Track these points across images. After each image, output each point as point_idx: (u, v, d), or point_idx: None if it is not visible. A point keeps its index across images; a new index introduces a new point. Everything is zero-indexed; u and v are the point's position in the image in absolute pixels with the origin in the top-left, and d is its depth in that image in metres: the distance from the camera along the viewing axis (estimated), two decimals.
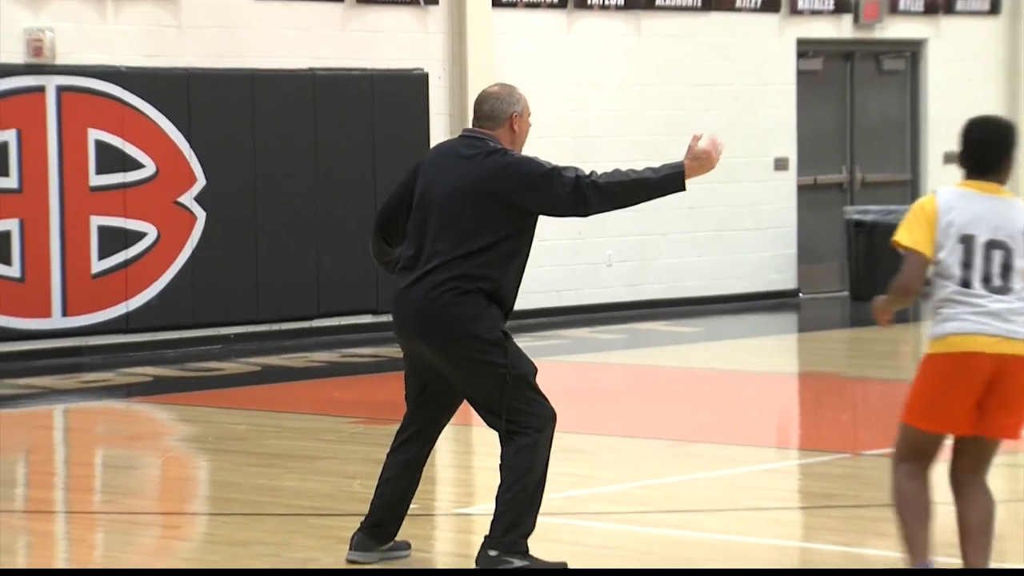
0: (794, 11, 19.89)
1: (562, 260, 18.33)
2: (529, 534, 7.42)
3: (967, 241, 6.88)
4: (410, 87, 17.42)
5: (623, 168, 7.61)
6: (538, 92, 18.24)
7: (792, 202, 19.93)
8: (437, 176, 7.52)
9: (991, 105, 21.48)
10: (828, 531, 8.61)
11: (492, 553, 7.37)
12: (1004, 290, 6.80)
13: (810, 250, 19.98)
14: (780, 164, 19.88)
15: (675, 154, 17.33)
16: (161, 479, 10.91)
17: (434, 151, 7.90)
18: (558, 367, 15.33)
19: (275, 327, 16.65)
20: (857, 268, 19.76)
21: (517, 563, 7.33)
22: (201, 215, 16.26)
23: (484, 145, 7.45)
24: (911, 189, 20.95)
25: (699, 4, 19.19)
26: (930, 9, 20.94)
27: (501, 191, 7.35)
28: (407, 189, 7.64)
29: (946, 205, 6.90)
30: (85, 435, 12.63)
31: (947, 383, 6.81)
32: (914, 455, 6.87)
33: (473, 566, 7.56)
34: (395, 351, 15.90)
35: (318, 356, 15.74)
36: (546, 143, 18.38)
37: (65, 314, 15.68)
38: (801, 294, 19.86)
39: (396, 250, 7.68)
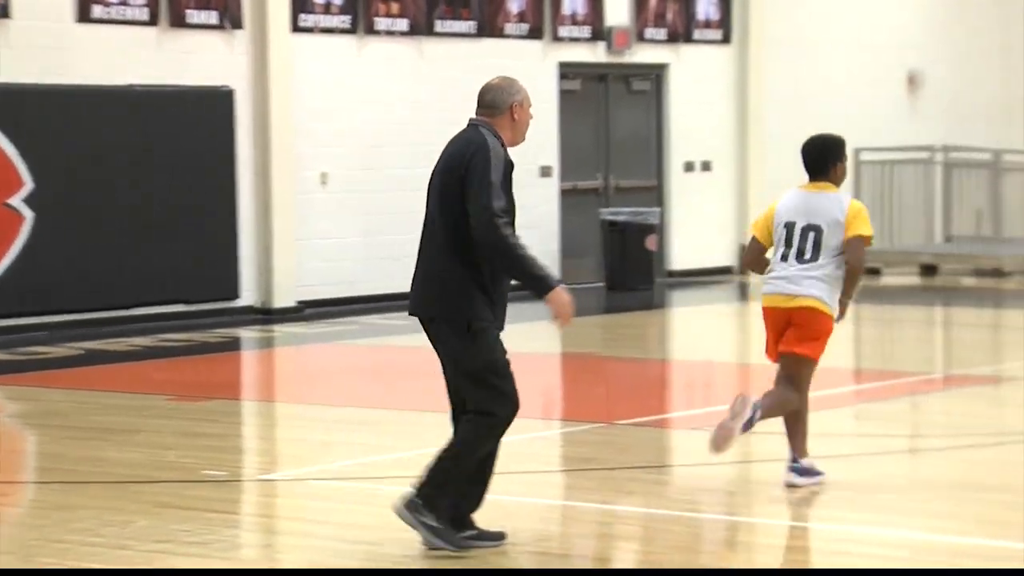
0: (556, 38, 20.04)
1: (354, 255, 18.28)
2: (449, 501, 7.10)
3: (789, 227, 8.50)
4: (217, 102, 17.27)
5: (522, 245, 7.11)
6: (332, 107, 18.22)
7: (555, 204, 20.07)
8: (440, 163, 7.33)
9: (724, 121, 21.85)
10: (586, 491, 8.69)
11: (416, 500, 7.07)
12: (813, 260, 8.41)
13: (571, 246, 20.14)
14: (545, 171, 20.00)
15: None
16: None
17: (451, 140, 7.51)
18: (351, 350, 15.31)
19: (97, 315, 16.41)
20: (611, 262, 19.98)
21: (432, 522, 7.07)
22: (29, 215, 15.97)
23: (479, 133, 7.20)
24: (657, 194, 21.20)
25: (474, 31, 19.24)
26: (672, 38, 21.23)
27: (460, 168, 7.12)
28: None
29: (781, 204, 8.60)
30: None
31: (765, 327, 8.68)
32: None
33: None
34: (206, 335, 15.83)
35: (136, 341, 15.53)
36: (339, 152, 18.33)
37: None
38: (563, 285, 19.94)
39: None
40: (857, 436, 10.16)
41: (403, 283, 19.68)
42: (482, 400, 7.08)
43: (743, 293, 20.54)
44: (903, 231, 22.18)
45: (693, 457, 9.83)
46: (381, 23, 18.50)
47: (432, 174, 7.33)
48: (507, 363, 7.14)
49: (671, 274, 21.28)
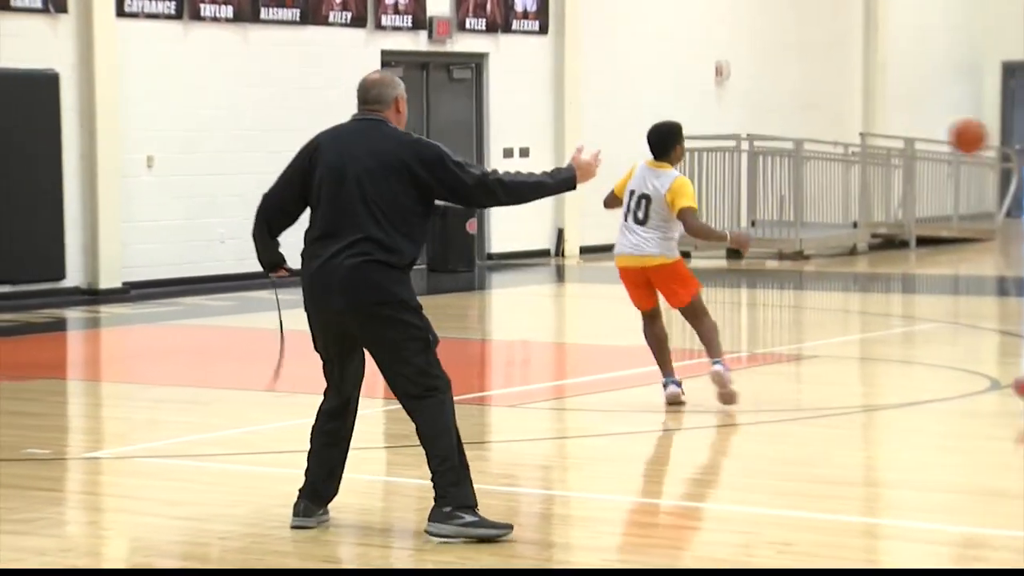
0: (378, 26, 19.99)
1: (179, 237, 18.09)
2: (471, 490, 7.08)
3: (631, 194, 10.19)
4: (43, 86, 16.96)
5: (519, 172, 7.36)
6: (157, 92, 17.98)
7: None
8: (346, 155, 7.05)
9: (541, 108, 21.98)
10: (406, 466, 8.71)
11: (446, 509, 6.96)
12: (644, 224, 10.07)
13: None
14: None
15: (273, 146, 17.32)
16: None
17: (331, 135, 7.28)
18: (176, 330, 15.15)
19: None
20: (433, 245, 19.99)
21: (468, 517, 6.95)
22: None
23: (386, 125, 7.13)
24: None
25: (298, 19, 19.11)
26: (491, 28, 21.30)
27: (411, 168, 6.98)
28: (300, 174, 7.18)
29: (635, 171, 10.27)
30: None
31: (623, 282, 10.40)
32: (646, 319, 10.38)
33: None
34: (31, 316, 15.55)
35: None
36: (164, 136, 18.11)
37: None
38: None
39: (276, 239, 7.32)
40: (663, 413, 10.30)
41: (227, 265, 19.52)
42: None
43: (560, 275, 20.71)
44: (711, 216, 22.49)
45: (511, 434, 9.91)
46: (207, 9, 18.30)
47: (334, 172, 7.06)
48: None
49: (491, 256, 21.38)
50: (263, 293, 17.69)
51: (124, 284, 17.49)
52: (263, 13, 18.77)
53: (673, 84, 23.43)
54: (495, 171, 7.18)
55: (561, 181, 7.28)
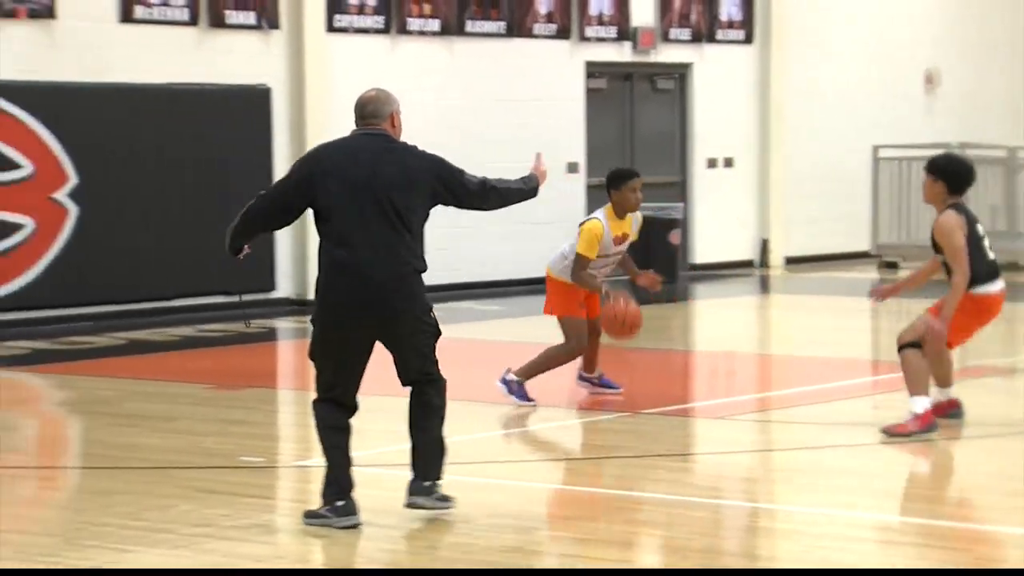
0: (583, 38, 20.02)
1: None
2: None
3: None
4: (255, 100, 17.29)
5: (501, 178, 7.86)
6: None
7: (582, 199, 20.05)
8: (363, 169, 7.37)
9: (746, 118, 21.80)
10: (612, 477, 8.68)
11: (437, 484, 7.53)
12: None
13: None
14: (572, 167, 19.98)
15: (476, 157, 17.61)
16: (37, 438, 10.72)
17: (338, 148, 7.58)
18: None
19: (139, 306, 16.45)
20: (636, 255, 19.84)
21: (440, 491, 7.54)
22: (74, 209, 16.02)
23: (396, 142, 7.57)
24: (681, 189, 21.17)
25: (503, 31, 19.23)
26: (696, 38, 21.18)
27: (430, 182, 7.45)
28: (300, 187, 7.42)
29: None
30: None
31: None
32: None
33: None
34: (243, 327, 15.85)
35: (177, 331, 15.57)
36: None
37: None
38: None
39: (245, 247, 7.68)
40: (875, 425, 10.11)
41: (436, 275, 19.69)
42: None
43: (764, 286, 20.51)
44: (920, 226, 22.06)
45: (716, 446, 9.82)
46: (413, 23, 18.51)
47: (347, 183, 7.38)
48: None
49: (694, 267, 21.25)
50: (468, 303, 17.82)
51: None
52: (469, 26, 18.92)
53: (881, 92, 23.05)
54: (485, 177, 7.65)
55: (531, 189, 7.83)
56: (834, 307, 17.73)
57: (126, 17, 16.49)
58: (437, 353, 7.63)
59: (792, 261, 21.99)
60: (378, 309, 7.33)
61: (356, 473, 7.52)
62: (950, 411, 9.88)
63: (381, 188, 7.32)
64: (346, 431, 7.60)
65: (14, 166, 15.73)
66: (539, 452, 9.79)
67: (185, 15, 16.82)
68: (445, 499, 7.51)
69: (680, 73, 21.21)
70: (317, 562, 7.12)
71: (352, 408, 7.64)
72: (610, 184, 11.14)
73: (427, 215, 7.53)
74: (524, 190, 7.79)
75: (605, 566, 6.94)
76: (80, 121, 16.04)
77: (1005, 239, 21.85)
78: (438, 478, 7.53)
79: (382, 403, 9.26)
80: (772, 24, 21.75)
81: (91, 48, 16.27)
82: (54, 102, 15.91)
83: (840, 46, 22.63)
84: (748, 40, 21.67)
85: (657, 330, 16.43)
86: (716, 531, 7.63)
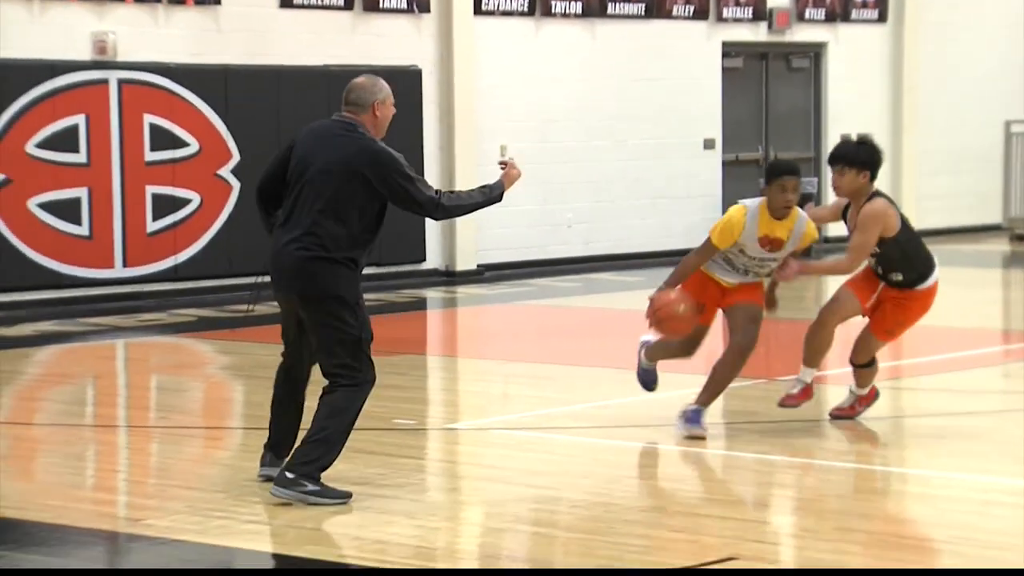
0: (720, 19, 19.86)
1: (530, 222, 18.33)
2: (326, 467, 7.14)
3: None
4: (406, 81, 17.35)
5: (459, 193, 7.47)
6: (511, 84, 18.26)
7: (718, 175, 19.93)
8: (313, 151, 7.21)
9: (879, 96, 21.49)
10: (750, 442, 8.63)
11: (290, 475, 7.07)
12: None
13: None
14: (708, 144, 19.86)
15: (621, 135, 17.30)
16: (204, 399, 10.90)
17: (309, 129, 7.41)
18: (527, 310, 15.36)
19: None
20: None
21: (311, 486, 7.05)
22: (236, 185, 16.24)
23: (355, 130, 7.22)
24: (814, 164, 20.95)
25: (643, 13, 19.14)
26: (830, 18, 20.92)
27: (365, 174, 7.12)
28: (283, 161, 7.33)
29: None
30: (141, 364, 12.61)
31: None
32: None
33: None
34: (395, 296, 15.97)
35: None
36: (517, 127, 18.37)
37: (125, 266, 15.66)
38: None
39: (277, 214, 7.38)
40: (1006, 393, 9.96)
41: (575, 248, 19.79)
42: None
43: None
44: None
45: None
46: (557, 6, 18.49)
47: (299, 166, 7.21)
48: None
49: (827, 240, 21.01)
50: (607, 275, 17.81)
51: (479, 266, 17.82)
52: (610, 8, 18.86)
53: (1012, 68, 22.60)
54: (439, 192, 7.25)
55: (495, 197, 7.35)
56: (965, 279, 17.44)
57: (285, 3, 16.66)
58: (356, 359, 7.15)
59: (924, 234, 21.58)
60: (286, 290, 7.24)
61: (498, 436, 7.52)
62: (800, 401, 8.85)
63: (318, 174, 7.13)
64: (284, 403, 7.52)
65: (182, 144, 15.98)
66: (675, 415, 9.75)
67: (340, 0, 16.95)
68: (305, 495, 7.05)
69: (815, 52, 20.98)
70: (466, 519, 7.17)
71: (299, 379, 7.51)
72: (766, 176, 8.70)
73: (376, 208, 7.20)
74: (482, 202, 7.31)
75: (743, 523, 6.90)
76: (242, 102, 16.24)
77: None
78: (303, 473, 7.05)
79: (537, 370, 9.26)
80: (905, 3, 21.41)
81: (253, 32, 16.46)
82: (219, 84, 16.13)
83: (971, 24, 22.22)
84: (882, 19, 21.36)
85: (793, 300, 16.29)
86: (850, 493, 7.56)
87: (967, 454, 8.14)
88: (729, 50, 20.08)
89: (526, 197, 18.34)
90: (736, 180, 20.09)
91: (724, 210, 21.83)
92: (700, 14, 19.62)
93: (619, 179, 18.89)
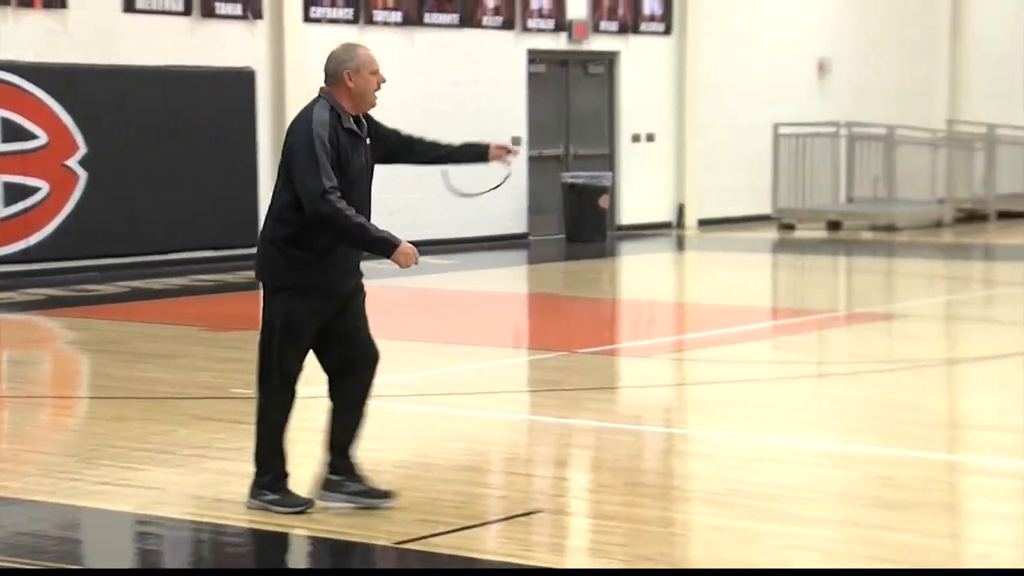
0: (525, 29, 19.96)
1: None
2: (276, 475, 6.22)
3: None
4: (241, 82, 17.18)
5: (344, 212, 5.96)
6: None
7: (524, 168, 20.03)
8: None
9: (665, 100, 21.81)
10: (552, 408, 8.71)
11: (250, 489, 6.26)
12: None
13: (537, 205, 20.12)
14: (516, 141, 19.93)
15: (438, 133, 17.35)
16: (53, 372, 10.66)
17: None
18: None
19: (139, 259, 16.36)
20: (570, 218, 19.97)
21: (269, 495, 6.22)
22: (83, 175, 15.91)
23: (312, 108, 6.09)
24: (609, 160, 21.19)
25: (457, 23, 19.15)
26: (622, 29, 21.16)
27: (285, 153, 6.07)
28: None
29: None
30: None
31: None
32: None
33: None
34: (229, 276, 15.78)
35: (173, 281, 15.48)
36: None
37: None
38: (530, 236, 20.00)
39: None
40: (775, 363, 10.20)
41: (398, 234, 19.75)
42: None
43: (680, 245, 20.58)
44: (813, 193, 22.24)
45: (640, 381, 9.88)
46: (379, 15, 18.41)
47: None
48: (292, 333, 6.04)
49: (620, 228, 21.29)
50: (424, 259, 17.80)
51: None
52: (427, 18, 18.84)
53: (780, 78, 23.12)
54: (331, 191, 5.86)
55: (384, 248, 5.98)
56: (739, 262, 17.82)
57: (129, 7, 16.33)
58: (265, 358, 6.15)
59: (704, 223, 22.06)
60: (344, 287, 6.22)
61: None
62: None
63: (282, 155, 6.16)
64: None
65: (32, 136, 15.59)
66: (488, 385, 9.80)
67: (180, 5, 16.67)
68: (253, 498, 6.24)
69: (609, 60, 21.20)
70: (299, 480, 7.11)
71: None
72: None
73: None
74: (356, 236, 5.93)
75: (545, 482, 6.97)
76: (89, 99, 15.91)
77: (884, 204, 22.03)
78: (254, 481, 6.24)
79: None
80: (688, 18, 21.75)
81: (99, 34, 16.12)
82: (67, 82, 15.77)
83: (745, 38, 22.66)
84: (667, 32, 21.67)
85: (590, 281, 16.50)
86: (640, 453, 7.67)
87: (741, 418, 8.32)
88: (534, 57, 20.19)
89: None
90: (540, 174, 20.23)
91: (529, 201, 22.17)
92: (508, 24, 19.70)
93: (436, 172, 18.86)
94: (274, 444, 6.27)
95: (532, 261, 18.27)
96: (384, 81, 6.29)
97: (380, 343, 6.64)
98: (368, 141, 6.24)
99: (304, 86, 17.64)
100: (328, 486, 6.32)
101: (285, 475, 6.29)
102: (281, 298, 6.08)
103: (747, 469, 7.05)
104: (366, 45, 6.32)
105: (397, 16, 18.54)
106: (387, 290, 15.08)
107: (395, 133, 6.49)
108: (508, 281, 16.29)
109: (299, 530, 6.08)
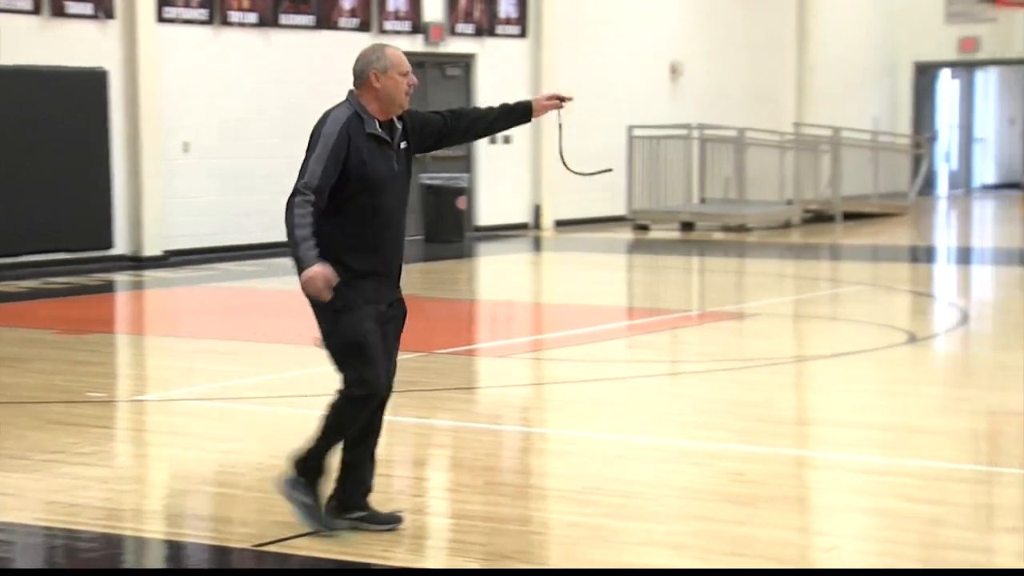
0: (382, 31, 19.90)
1: (213, 211, 18.05)
2: (316, 475, 5.86)
3: None
4: (94, 82, 16.88)
5: (304, 226, 5.65)
6: (194, 86, 17.90)
7: None
8: None
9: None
10: (411, 408, 8.70)
11: (293, 476, 5.88)
12: None
13: None
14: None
15: (289, 132, 17.06)
16: None
17: None
18: (211, 291, 15.11)
19: None
20: (429, 219, 19.97)
21: (305, 497, 5.84)
22: None
23: (334, 110, 5.77)
24: (466, 162, 21.23)
25: (313, 24, 19.03)
26: (479, 32, 21.22)
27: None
28: None
29: None
30: None
31: None
32: None
33: None
34: (84, 279, 15.49)
35: (25, 283, 15.16)
36: (200, 125, 18.02)
37: None
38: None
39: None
40: (630, 362, 10.31)
41: (253, 235, 19.53)
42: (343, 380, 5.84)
43: (537, 245, 20.70)
44: (667, 194, 22.51)
45: (497, 380, 9.92)
46: (234, 16, 18.22)
47: None
48: (367, 343, 5.72)
49: (478, 229, 21.35)
50: (282, 260, 17.68)
51: (164, 252, 17.44)
52: (282, 19, 18.69)
53: (634, 80, 23.39)
54: (303, 191, 5.62)
55: (301, 257, 5.61)
56: (595, 262, 17.98)
57: None
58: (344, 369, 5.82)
59: (560, 224, 22.22)
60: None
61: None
62: None
63: None
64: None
65: None
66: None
67: (29, 4, 16.34)
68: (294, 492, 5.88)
69: (466, 62, 21.24)
70: (155, 482, 7.02)
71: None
72: None
73: (338, 197, 5.67)
74: (294, 249, 5.63)
75: (404, 482, 6.97)
76: None
77: (734, 206, 22.40)
78: (294, 469, 5.90)
79: None
80: (543, 21, 21.89)
81: None
82: None
83: (600, 41, 22.88)
84: (523, 34, 21.78)
85: (447, 282, 16.51)
86: (498, 452, 7.70)
87: (598, 416, 8.39)
88: None
89: (207, 188, 18.04)
90: None
91: None
92: (364, 26, 19.62)
93: (293, 172, 18.72)
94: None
95: None
96: (416, 84, 5.88)
97: (237, 344, 6.55)
98: (403, 145, 5.84)
99: (158, 86, 17.41)
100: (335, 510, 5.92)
101: (367, 490, 5.92)
102: (325, 314, 5.79)
103: (604, 466, 7.12)
104: (394, 45, 5.98)
105: (252, 17, 18.37)
106: (243, 291, 14.95)
107: (438, 117, 6.04)
108: None
109: (156, 534, 6.00)
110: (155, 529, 6.04)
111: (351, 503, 5.91)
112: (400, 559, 5.64)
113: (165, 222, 17.48)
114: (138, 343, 12.04)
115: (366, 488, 5.93)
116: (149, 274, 16.29)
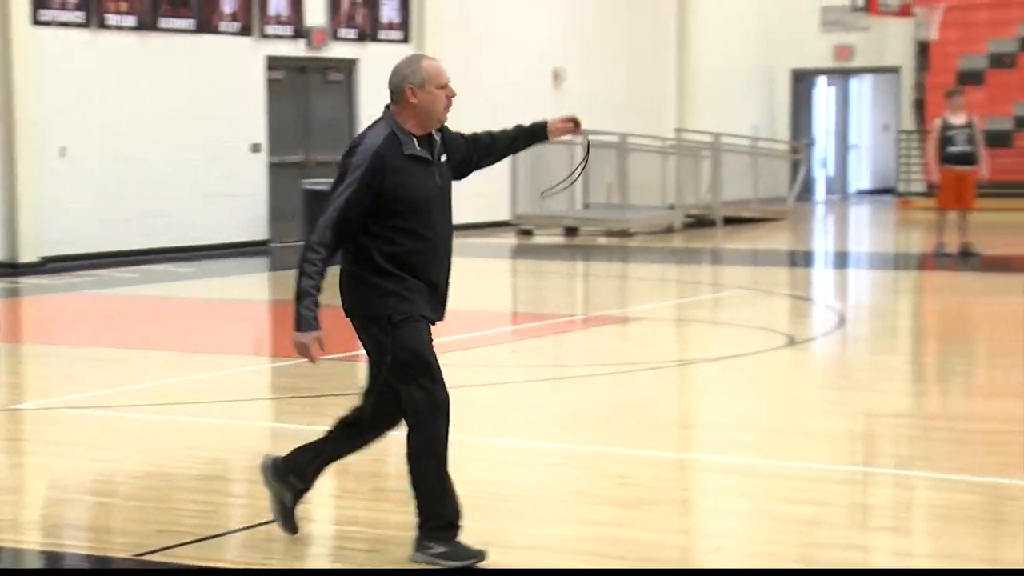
0: (263, 36, 19.73)
1: (90, 217, 17.75)
2: (444, 522, 5.51)
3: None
4: None
5: (313, 261, 5.55)
6: (71, 89, 17.58)
7: (265, 176, 19.81)
8: None
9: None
10: (294, 414, 8.62)
11: (417, 536, 5.58)
12: None
13: (278, 211, 19.91)
14: (255, 148, 19.72)
15: (175, 138, 16.91)
16: None
17: None
18: (89, 298, 14.86)
19: None
20: (312, 224, 19.74)
21: (437, 548, 5.51)
22: None
23: (370, 129, 5.58)
24: None
25: (193, 28, 18.80)
26: (361, 37, 21.13)
27: None
28: None
29: None
30: None
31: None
32: None
33: None
34: None
35: None
36: (78, 129, 17.70)
37: None
38: (271, 243, 19.76)
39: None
40: (514, 367, 10.31)
41: (132, 241, 19.26)
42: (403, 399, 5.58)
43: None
44: (551, 199, 22.58)
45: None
46: (111, 19, 17.94)
47: None
48: (431, 360, 5.59)
49: None
50: (165, 266, 17.43)
51: (41, 258, 17.11)
52: (161, 23, 18.45)
53: (517, 87, 23.44)
54: (325, 233, 5.52)
55: (302, 324, 5.49)
56: (479, 267, 17.98)
57: None
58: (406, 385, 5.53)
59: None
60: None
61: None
62: None
63: None
64: (340, 430, 5.86)
65: None
66: (230, 393, 9.64)
67: None
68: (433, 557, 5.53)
69: (348, 67, 21.13)
70: (32, 492, 6.86)
71: (359, 412, 5.83)
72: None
73: (383, 221, 5.46)
74: (296, 296, 5.51)
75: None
76: None
77: (617, 211, 22.54)
78: (420, 535, 5.56)
79: None
80: (426, 27, 21.86)
81: None
82: None
83: (482, 47, 22.90)
84: (406, 40, 21.72)
85: (331, 288, 16.38)
86: (384, 457, 7.65)
87: (483, 421, 8.37)
88: (273, 64, 19.98)
89: (86, 193, 17.73)
90: (280, 179, 20.02)
91: (271, 207, 21.94)
92: (245, 30, 19.44)
93: (174, 178, 18.50)
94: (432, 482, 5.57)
95: (274, 268, 18.07)
96: (454, 95, 5.59)
97: (116, 352, 6.44)
98: (444, 158, 5.62)
99: (34, 90, 17.07)
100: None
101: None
102: (382, 328, 5.60)
103: (490, 471, 7.10)
104: (432, 56, 5.69)
105: (131, 20, 18.10)
106: (125, 299, 14.71)
107: (462, 140, 5.85)
108: (250, 289, 16.06)
109: (34, 544, 5.86)
110: (33, 540, 5.91)
111: (295, 472, 5.80)
112: (281, 565, 5.56)
113: (42, 228, 17.15)
114: (15, 351, 11.78)
115: (306, 486, 5.86)
116: (25, 281, 15.97)
